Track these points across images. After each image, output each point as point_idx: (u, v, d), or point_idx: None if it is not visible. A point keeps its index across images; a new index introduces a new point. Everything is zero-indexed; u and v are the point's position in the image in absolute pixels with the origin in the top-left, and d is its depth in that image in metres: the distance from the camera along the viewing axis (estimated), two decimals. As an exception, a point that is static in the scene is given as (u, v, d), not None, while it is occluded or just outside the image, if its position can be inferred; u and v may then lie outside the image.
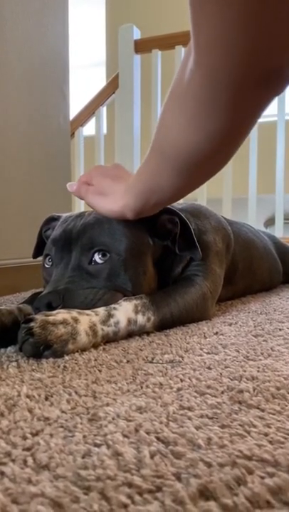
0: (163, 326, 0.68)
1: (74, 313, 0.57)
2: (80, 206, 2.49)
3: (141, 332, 0.65)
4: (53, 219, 0.84)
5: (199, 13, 0.35)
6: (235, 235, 1.01)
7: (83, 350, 0.56)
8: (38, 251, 0.87)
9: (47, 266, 0.74)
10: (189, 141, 0.49)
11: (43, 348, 0.52)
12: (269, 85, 0.39)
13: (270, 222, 3.10)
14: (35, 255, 0.88)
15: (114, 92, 2.40)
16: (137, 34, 2.29)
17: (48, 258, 0.74)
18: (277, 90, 0.40)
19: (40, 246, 0.87)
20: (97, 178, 0.71)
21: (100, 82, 3.39)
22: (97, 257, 0.68)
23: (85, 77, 4.16)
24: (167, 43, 2.21)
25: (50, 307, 0.60)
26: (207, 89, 0.42)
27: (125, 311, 0.62)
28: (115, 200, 0.66)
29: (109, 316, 0.60)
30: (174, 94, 0.48)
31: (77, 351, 0.55)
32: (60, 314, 0.55)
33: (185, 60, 0.44)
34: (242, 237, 1.06)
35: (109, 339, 0.60)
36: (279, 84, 0.39)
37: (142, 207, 0.64)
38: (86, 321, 0.57)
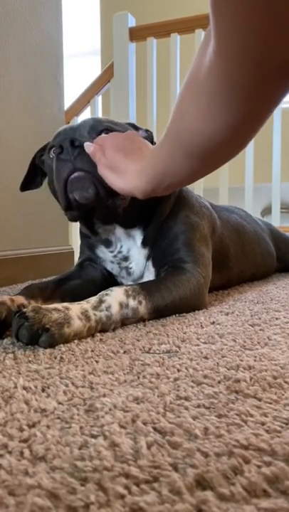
0: (158, 312, 0.69)
1: (65, 304, 0.58)
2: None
3: (136, 318, 0.66)
4: (48, 145, 0.82)
5: (220, 1, 0.35)
6: (224, 220, 1.03)
7: (80, 338, 0.56)
8: (27, 183, 0.84)
9: (50, 157, 0.75)
10: (204, 130, 0.49)
11: (40, 330, 0.52)
12: (288, 76, 0.39)
13: (267, 211, 3.09)
14: (23, 188, 0.84)
15: (109, 81, 2.37)
16: (131, 22, 2.26)
17: (52, 149, 0.76)
18: None
19: (29, 177, 0.83)
20: (110, 151, 0.70)
21: (95, 70, 3.35)
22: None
23: (80, 66, 4.11)
24: (162, 30, 2.18)
25: (73, 145, 0.68)
26: (226, 79, 0.41)
27: (116, 296, 0.63)
28: (126, 181, 0.67)
29: (101, 301, 0.61)
30: (191, 83, 0.48)
31: (74, 342, 0.55)
32: (51, 305, 0.57)
33: (202, 49, 0.44)
34: (231, 222, 1.08)
35: (104, 324, 0.61)
36: None
37: (152, 189, 0.65)
38: (77, 308, 0.58)
